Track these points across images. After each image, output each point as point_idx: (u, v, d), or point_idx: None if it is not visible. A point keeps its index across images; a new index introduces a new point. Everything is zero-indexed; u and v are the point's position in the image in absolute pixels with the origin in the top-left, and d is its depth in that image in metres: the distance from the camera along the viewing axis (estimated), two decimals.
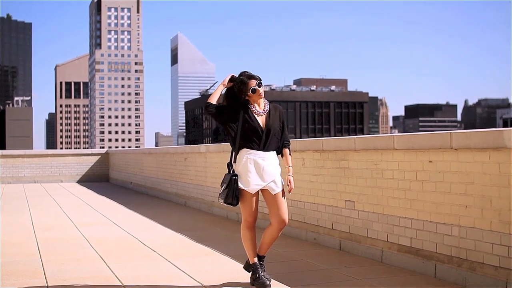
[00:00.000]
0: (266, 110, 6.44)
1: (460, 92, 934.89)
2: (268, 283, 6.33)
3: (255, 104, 6.41)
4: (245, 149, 6.35)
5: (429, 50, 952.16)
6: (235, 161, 6.42)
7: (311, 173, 9.50)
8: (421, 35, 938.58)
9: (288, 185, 6.42)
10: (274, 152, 6.43)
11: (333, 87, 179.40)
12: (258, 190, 6.39)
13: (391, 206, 7.57)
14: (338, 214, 8.79)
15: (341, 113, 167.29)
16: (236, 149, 6.41)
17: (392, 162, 7.56)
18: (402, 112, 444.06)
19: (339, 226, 8.77)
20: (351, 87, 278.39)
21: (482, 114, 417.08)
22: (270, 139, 6.35)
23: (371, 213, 8.00)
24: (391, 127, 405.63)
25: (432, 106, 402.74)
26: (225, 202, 6.39)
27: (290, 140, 6.61)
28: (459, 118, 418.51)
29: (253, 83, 6.36)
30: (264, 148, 6.33)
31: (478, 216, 6.22)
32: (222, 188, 6.38)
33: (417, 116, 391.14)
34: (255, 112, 6.37)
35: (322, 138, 9.26)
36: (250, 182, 6.30)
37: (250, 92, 6.34)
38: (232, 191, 6.32)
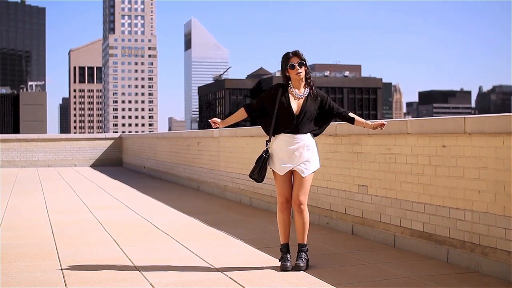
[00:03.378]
0: (305, 94, 6.50)
1: (474, 78, 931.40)
2: (288, 265, 6.43)
3: (295, 88, 6.50)
4: (278, 131, 6.47)
5: (444, 36, 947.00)
6: (269, 140, 6.56)
7: (324, 157, 9.46)
8: (436, 21, 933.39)
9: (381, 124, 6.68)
10: (308, 135, 6.50)
11: (346, 73, 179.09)
12: (291, 172, 6.47)
13: (404, 190, 7.55)
14: (351, 199, 8.78)
15: (354, 99, 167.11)
16: (270, 131, 6.53)
17: (405, 147, 7.54)
18: (416, 98, 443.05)
19: (352, 210, 8.76)
20: (365, 73, 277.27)
21: (497, 101, 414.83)
22: (303, 122, 6.43)
23: (384, 198, 7.99)
24: (404, 113, 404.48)
25: (446, 93, 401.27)
26: (250, 176, 6.59)
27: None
28: (473, 104, 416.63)
29: (295, 60, 6.43)
30: (296, 131, 6.41)
31: (491, 201, 6.20)
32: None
33: (431, 102, 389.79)
34: (292, 94, 6.48)
35: (336, 123, 9.22)
36: (279, 164, 6.43)
37: (289, 68, 6.41)
38: (259, 167, 6.51)
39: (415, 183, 7.34)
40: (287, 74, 6.49)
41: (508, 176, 5.98)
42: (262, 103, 6.58)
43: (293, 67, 6.41)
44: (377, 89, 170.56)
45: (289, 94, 6.46)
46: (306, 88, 6.53)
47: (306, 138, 6.47)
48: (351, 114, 6.68)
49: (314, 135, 6.61)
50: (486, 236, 6.27)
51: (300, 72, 6.43)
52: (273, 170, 6.52)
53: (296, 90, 6.49)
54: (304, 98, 6.48)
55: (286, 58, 6.46)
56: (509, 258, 5.97)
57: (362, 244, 8.04)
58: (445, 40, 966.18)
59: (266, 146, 6.54)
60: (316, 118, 6.54)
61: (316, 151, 6.59)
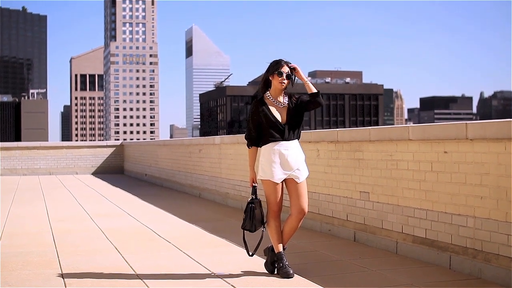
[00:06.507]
0: (286, 102, 6.53)
1: (475, 84, 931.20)
2: (291, 272, 6.41)
3: (273, 98, 6.53)
4: (268, 142, 6.48)
5: (445, 42, 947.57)
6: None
7: (325, 164, 9.47)
8: (437, 27, 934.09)
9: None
10: (296, 141, 6.54)
11: (348, 79, 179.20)
12: (283, 180, 6.48)
13: (406, 197, 7.54)
14: (352, 206, 8.77)
15: (356, 105, 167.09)
16: (260, 144, 6.59)
17: (407, 153, 7.53)
18: (417, 105, 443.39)
19: (354, 217, 8.74)
20: (366, 79, 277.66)
21: (498, 107, 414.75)
22: (291, 129, 6.46)
23: (385, 204, 7.97)
24: (406, 120, 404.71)
25: (448, 99, 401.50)
26: (242, 228, 6.64)
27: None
28: (474, 110, 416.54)
29: (285, 70, 6.45)
30: (286, 139, 6.43)
31: (493, 207, 6.19)
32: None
33: (432, 108, 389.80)
34: (274, 105, 6.50)
35: (337, 129, 9.23)
36: (275, 172, 6.42)
37: (276, 74, 6.42)
38: (250, 218, 6.54)
39: (417, 190, 7.33)
40: (270, 78, 6.50)
41: (510, 182, 5.96)
42: (255, 125, 6.57)
43: (281, 74, 6.42)
44: (378, 95, 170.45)
45: (270, 106, 6.50)
46: (285, 97, 6.57)
47: (296, 145, 6.52)
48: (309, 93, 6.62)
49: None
50: (488, 242, 6.26)
51: (284, 83, 6.47)
52: (267, 180, 6.48)
53: (276, 100, 6.52)
54: (286, 106, 6.51)
55: (277, 63, 6.48)
56: (511, 264, 5.95)
57: (364, 250, 8.02)
58: (446, 46, 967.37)
59: (252, 194, 6.58)
60: (298, 123, 6.57)
61: (304, 158, 6.61)
